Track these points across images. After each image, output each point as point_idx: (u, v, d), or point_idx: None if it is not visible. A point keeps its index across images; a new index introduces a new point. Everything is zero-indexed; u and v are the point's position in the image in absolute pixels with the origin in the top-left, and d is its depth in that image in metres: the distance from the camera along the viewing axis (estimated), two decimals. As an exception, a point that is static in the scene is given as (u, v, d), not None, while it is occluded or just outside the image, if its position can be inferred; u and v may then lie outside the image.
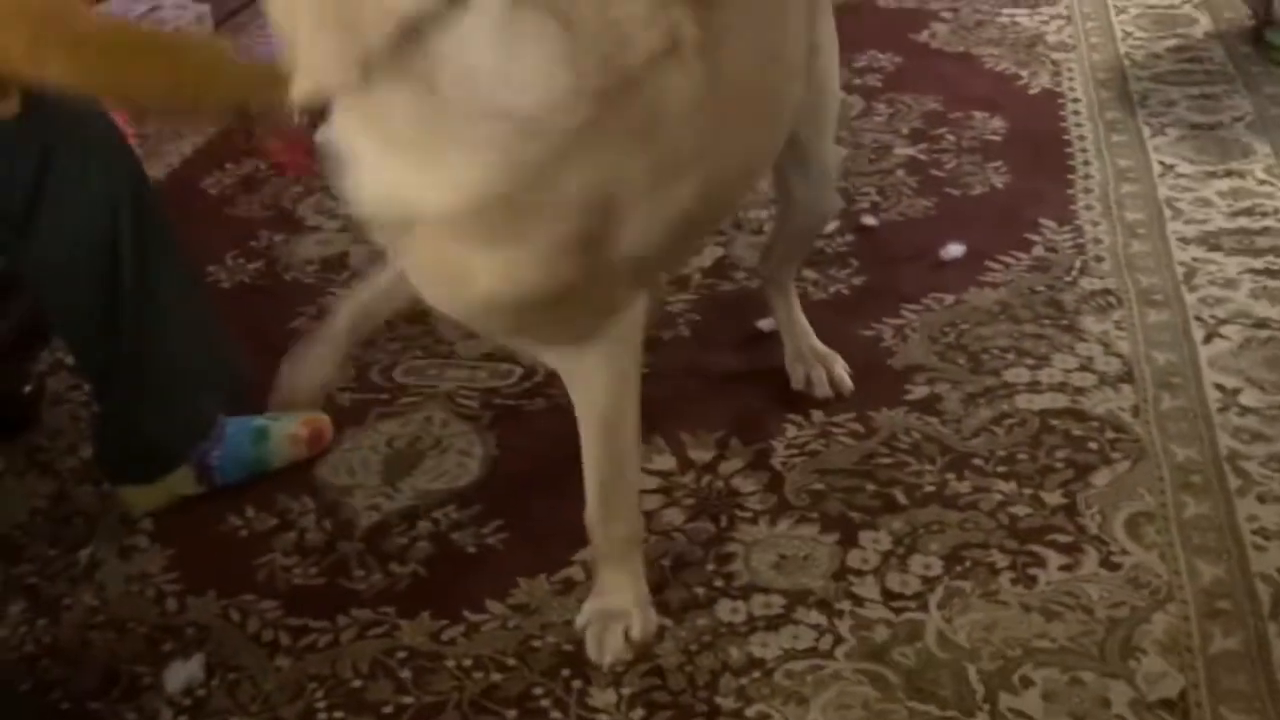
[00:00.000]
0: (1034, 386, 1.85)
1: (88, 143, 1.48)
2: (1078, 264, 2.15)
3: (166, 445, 1.69)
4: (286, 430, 1.78)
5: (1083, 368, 1.88)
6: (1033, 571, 1.51)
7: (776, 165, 1.68)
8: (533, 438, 1.84)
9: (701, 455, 1.76)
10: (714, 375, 1.94)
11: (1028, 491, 1.64)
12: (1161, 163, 2.46)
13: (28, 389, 1.93)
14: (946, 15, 3.27)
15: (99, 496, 1.76)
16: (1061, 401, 1.81)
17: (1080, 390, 1.83)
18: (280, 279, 2.34)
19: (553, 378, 1.94)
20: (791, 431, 1.79)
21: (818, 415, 1.81)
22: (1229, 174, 2.40)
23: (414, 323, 2.13)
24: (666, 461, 1.75)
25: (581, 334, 1.32)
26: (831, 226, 2.31)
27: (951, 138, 2.62)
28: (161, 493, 1.71)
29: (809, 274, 2.16)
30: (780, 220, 1.88)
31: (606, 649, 1.43)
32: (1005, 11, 3.25)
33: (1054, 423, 1.77)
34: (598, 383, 1.37)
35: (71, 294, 1.56)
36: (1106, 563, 1.51)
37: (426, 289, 1.31)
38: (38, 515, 1.75)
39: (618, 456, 1.43)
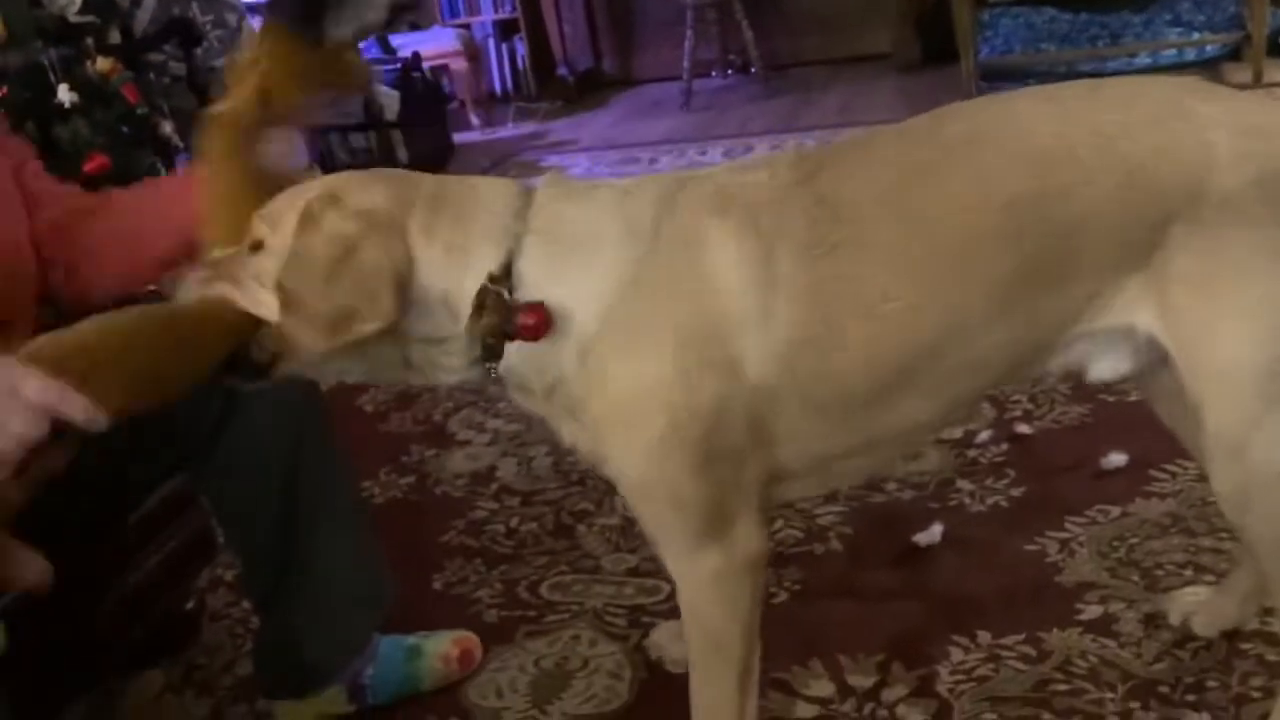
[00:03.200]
0: (1218, 606, 1.72)
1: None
2: (1252, 472, 2.04)
3: (322, 662, 1.69)
4: (438, 649, 1.77)
5: (1270, 585, 1.76)
6: (1238, 816, 1.37)
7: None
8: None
9: (861, 681, 1.67)
10: (870, 593, 1.87)
11: (1223, 724, 1.51)
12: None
13: (190, 606, 1.98)
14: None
15: (253, 716, 1.77)
16: (1251, 623, 1.68)
17: (1270, 610, 1.70)
18: (431, 493, 2.39)
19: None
20: (957, 655, 1.69)
21: (984, 637, 1.72)
22: None
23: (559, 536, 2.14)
24: (824, 687, 1.67)
25: (691, 534, 1.27)
26: (985, 435, 2.27)
27: (1102, 342, 2.57)
28: (313, 710, 1.71)
29: (964, 485, 2.11)
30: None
31: None
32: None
33: (1244, 646, 1.64)
34: (702, 595, 1.31)
35: (250, 515, 1.61)
36: (1322, 808, 1.37)
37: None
38: (193, 734, 1.77)
39: (717, 689, 1.34)
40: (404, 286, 1.17)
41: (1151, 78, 1.35)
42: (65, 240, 1.46)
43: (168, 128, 3.26)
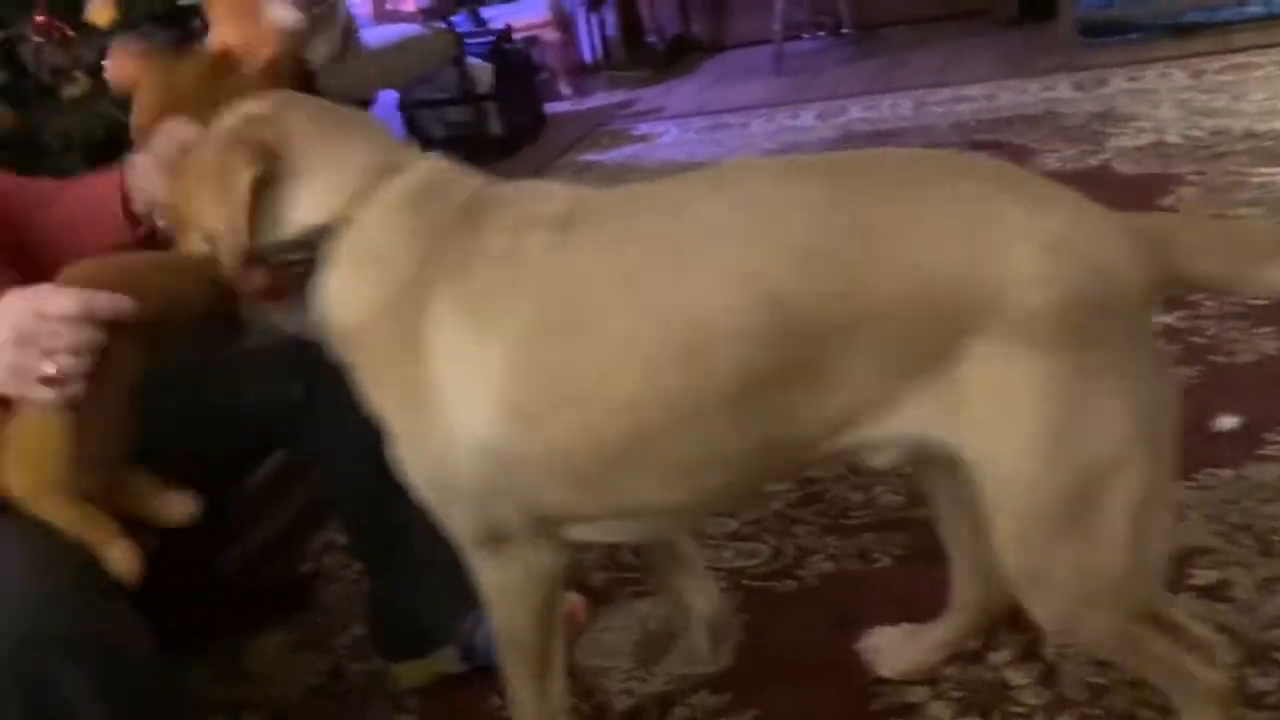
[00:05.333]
0: (1337, 571, 1.68)
1: None
2: (1372, 435, 1.98)
3: (433, 623, 1.75)
4: (545, 610, 1.81)
5: (1393, 550, 1.71)
6: (1360, 784, 1.35)
7: None
8: (782, 621, 1.80)
9: (967, 644, 1.67)
10: (973, 557, 1.86)
11: (1343, 690, 1.48)
12: None
13: (306, 569, 2.06)
14: (1194, 178, 3.16)
15: (370, 675, 1.84)
16: (1373, 588, 1.64)
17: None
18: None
19: (799, 559, 1.92)
20: (1064, 619, 1.68)
21: (1091, 601, 1.70)
22: None
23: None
24: (930, 650, 1.68)
25: (472, 544, 1.33)
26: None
27: (1211, 303, 2.50)
28: (428, 670, 1.77)
29: (1068, 449, 2.08)
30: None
31: None
32: (1260, 170, 3.12)
33: (1366, 612, 1.60)
34: (493, 594, 1.38)
35: (346, 488, 1.67)
36: None
37: None
38: (313, 692, 1.84)
39: (516, 675, 1.44)
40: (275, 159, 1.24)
41: (938, 153, 1.22)
42: (17, 230, 1.48)
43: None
